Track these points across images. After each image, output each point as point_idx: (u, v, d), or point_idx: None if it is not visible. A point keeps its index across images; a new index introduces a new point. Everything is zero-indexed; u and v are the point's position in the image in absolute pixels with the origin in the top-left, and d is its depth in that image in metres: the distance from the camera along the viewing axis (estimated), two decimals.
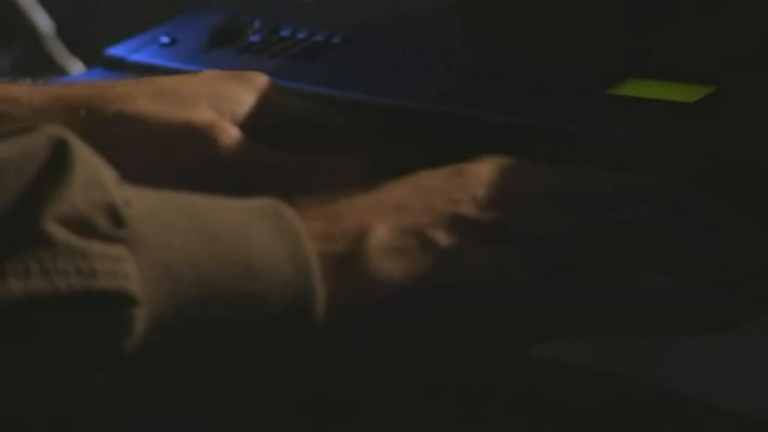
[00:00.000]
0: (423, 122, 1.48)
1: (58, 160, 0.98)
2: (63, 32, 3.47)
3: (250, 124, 1.43)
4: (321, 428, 1.21)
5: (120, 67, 1.89)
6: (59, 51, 3.46)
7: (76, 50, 3.15)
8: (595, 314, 1.10)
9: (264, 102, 1.47)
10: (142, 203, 1.03)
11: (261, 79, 1.50)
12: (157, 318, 1.00)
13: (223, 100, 1.44)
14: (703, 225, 1.13)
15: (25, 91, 1.42)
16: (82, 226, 0.98)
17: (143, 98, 1.41)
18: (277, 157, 1.27)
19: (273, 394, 1.12)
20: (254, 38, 1.76)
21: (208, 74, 1.52)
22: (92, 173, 1.01)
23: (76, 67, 2.42)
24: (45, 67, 3.26)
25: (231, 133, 1.38)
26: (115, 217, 0.99)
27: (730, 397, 1.06)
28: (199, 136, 1.36)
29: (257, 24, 1.76)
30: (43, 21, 3.47)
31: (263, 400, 1.13)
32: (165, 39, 1.84)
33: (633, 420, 1.13)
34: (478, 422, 1.22)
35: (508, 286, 1.09)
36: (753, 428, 1.05)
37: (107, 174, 1.02)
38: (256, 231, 1.06)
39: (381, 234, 1.09)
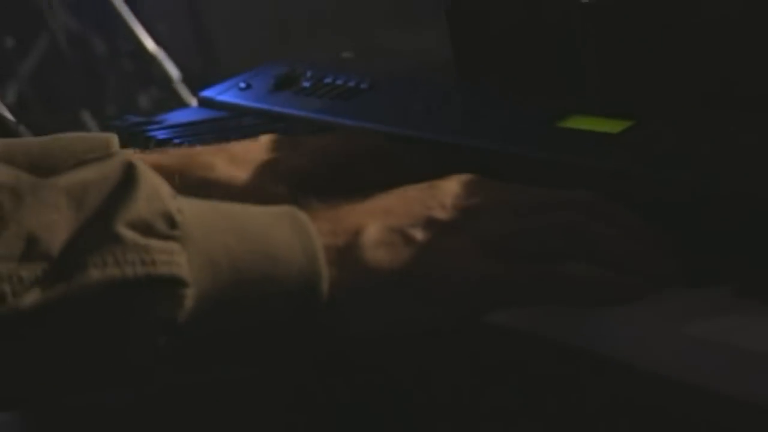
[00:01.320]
0: (424, 146, 1.49)
1: (127, 179, 1.02)
2: (186, 78, 3.52)
3: (297, 176, 1.46)
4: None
5: (210, 105, 1.93)
6: (183, 92, 3.48)
7: (193, 91, 3.16)
8: (530, 291, 1.13)
9: (308, 156, 1.49)
10: (191, 210, 1.05)
11: (309, 141, 1.52)
12: (201, 296, 1.02)
13: (277, 161, 1.47)
14: (613, 226, 1.14)
15: (172, 153, 1.47)
16: (145, 228, 1.01)
17: (222, 163, 1.45)
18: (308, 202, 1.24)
19: (291, 351, 1.14)
20: (306, 84, 1.77)
21: (265, 140, 1.53)
22: (153, 189, 1.04)
23: (193, 103, 2.40)
24: (173, 103, 3.28)
25: (278, 191, 1.42)
26: (170, 221, 1.02)
27: (637, 356, 1.06)
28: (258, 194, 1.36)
29: (308, 73, 1.78)
30: (172, 70, 3.49)
31: (283, 355, 1.16)
32: (242, 84, 1.89)
33: (560, 372, 1.16)
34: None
35: (467, 269, 1.11)
36: (636, 376, 1.05)
37: (164, 189, 1.05)
38: (277, 230, 1.08)
39: (372, 232, 1.12)
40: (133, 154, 1.35)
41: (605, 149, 1.30)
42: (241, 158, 1.46)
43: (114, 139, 1.18)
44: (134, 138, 1.78)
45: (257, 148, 1.49)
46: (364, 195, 1.18)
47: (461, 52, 1.60)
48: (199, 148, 1.51)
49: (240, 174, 1.43)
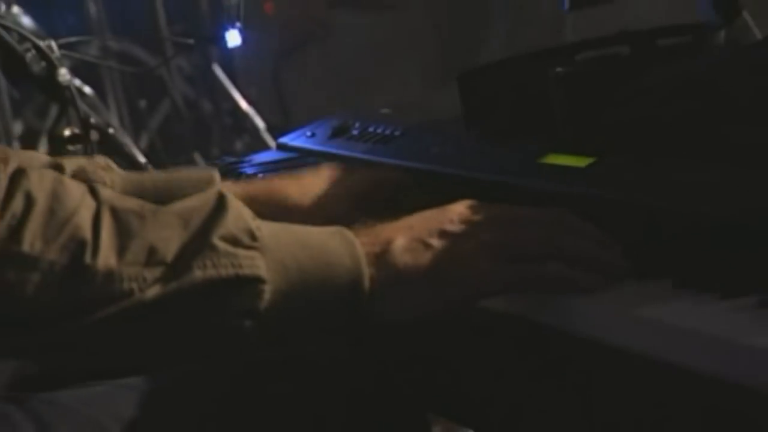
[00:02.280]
0: (440, 178, 1.49)
1: (220, 205, 1.06)
2: (269, 128, 3.52)
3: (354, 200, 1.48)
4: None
5: (285, 148, 1.94)
6: (267, 138, 3.47)
7: (274, 138, 3.16)
8: (518, 282, 1.13)
9: (361, 184, 1.51)
10: (267, 228, 1.09)
11: (355, 173, 1.53)
12: (275, 291, 1.05)
13: (331, 187, 1.47)
14: (578, 235, 1.15)
15: (231, 186, 1.42)
16: (233, 241, 1.05)
17: (292, 191, 1.46)
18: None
19: (339, 333, 1.18)
20: (354, 132, 1.76)
21: (322, 170, 1.54)
22: (238, 212, 1.08)
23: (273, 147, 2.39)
24: (260, 147, 3.28)
25: (331, 209, 1.43)
26: (251, 236, 1.06)
27: (598, 331, 1.05)
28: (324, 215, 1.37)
29: (356, 124, 1.77)
30: (259, 122, 3.47)
31: (333, 335, 1.19)
32: (308, 133, 1.89)
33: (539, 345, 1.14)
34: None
35: (472, 266, 1.12)
36: (598, 347, 1.04)
37: (247, 212, 1.09)
38: (330, 242, 1.11)
39: (400, 241, 1.12)
40: (229, 185, 1.42)
41: (575, 179, 1.29)
42: (306, 184, 1.47)
43: (216, 173, 1.21)
44: (231, 173, 1.79)
45: (317, 178, 1.49)
46: (394, 218, 1.18)
47: (468, 108, 1.58)
48: (275, 179, 1.56)
49: (304, 197, 1.44)
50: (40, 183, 0.96)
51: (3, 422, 1.09)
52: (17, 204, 0.93)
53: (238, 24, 3.25)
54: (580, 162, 1.30)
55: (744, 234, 1.06)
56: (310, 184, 1.47)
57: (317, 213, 1.39)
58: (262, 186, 1.49)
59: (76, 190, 0.98)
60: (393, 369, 1.31)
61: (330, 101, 4.02)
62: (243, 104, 3.39)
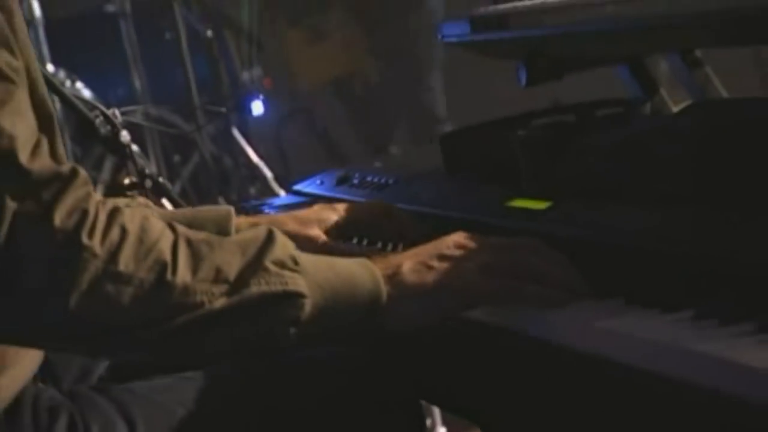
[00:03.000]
0: (428, 218, 1.46)
1: (269, 237, 1.07)
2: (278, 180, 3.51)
3: (334, 229, 1.45)
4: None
5: (298, 193, 1.90)
6: (274, 186, 3.44)
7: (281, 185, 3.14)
8: (504, 293, 1.11)
9: (340, 217, 1.47)
10: (305, 257, 1.09)
11: (341, 205, 1.50)
12: (313, 304, 1.05)
13: (322, 220, 1.45)
14: (550, 261, 1.14)
15: (243, 220, 1.40)
16: (281, 264, 1.05)
17: (292, 223, 1.43)
18: (340, 247, 1.39)
19: (361, 337, 1.18)
20: (355, 181, 1.73)
21: (318, 207, 1.52)
22: (283, 243, 1.08)
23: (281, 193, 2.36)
24: (268, 193, 3.25)
25: (323, 239, 1.42)
26: (295, 261, 1.06)
27: (566, 338, 1.04)
28: (311, 240, 1.39)
29: (356, 175, 1.74)
30: (267, 173, 3.46)
31: (358, 338, 1.19)
32: (318, 181, 1.85)
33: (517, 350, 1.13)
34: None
35: (464, 281, 1.12)
36: (566, 352, 1.03)
37: (290, 244, 1.10)
38: (355, 269, 1.11)
39: (407, 265, 1.13)
40: (242, 219, 1.40)
41: (535, 219, 1.28)
42: (303, 218, 1.44)
43: (231, 209, 1.28)
44: (256, 213, 1.76)
45: (312, 213, 1.48)
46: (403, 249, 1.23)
47: (449, 162, 1.58)
48: (277, 214, 1.57)
49: (301, 228, 1.41)
50: (131, 218, 0.97)
51: (92, 407, 1.09)
52: (114, 234, 0.94)
53: (261, 96, 3.28)
54: (539, 205, 1.30)
55: (669, 259, 1.06)
56: (304, 218, 1.45)
57: (309, 240, 1.39)
58: (266, 219, 1.48)
59: (158, 224, 0.99)
60: (395, 366, 1.30)
61: (324, 157, 4.08)
62: (255, 158, 3.37)
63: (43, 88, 1.05)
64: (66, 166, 0.94)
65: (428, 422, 2.54)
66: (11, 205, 0.89)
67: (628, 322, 0.99)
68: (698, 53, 1.70)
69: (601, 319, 1.01)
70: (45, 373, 1.13)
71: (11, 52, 0.94)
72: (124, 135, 1.96)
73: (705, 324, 0.93)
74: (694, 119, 1.43)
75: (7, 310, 0.93)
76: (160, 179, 2.00)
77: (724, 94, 1.69)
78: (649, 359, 0.92)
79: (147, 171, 1.96)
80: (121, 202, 1.28)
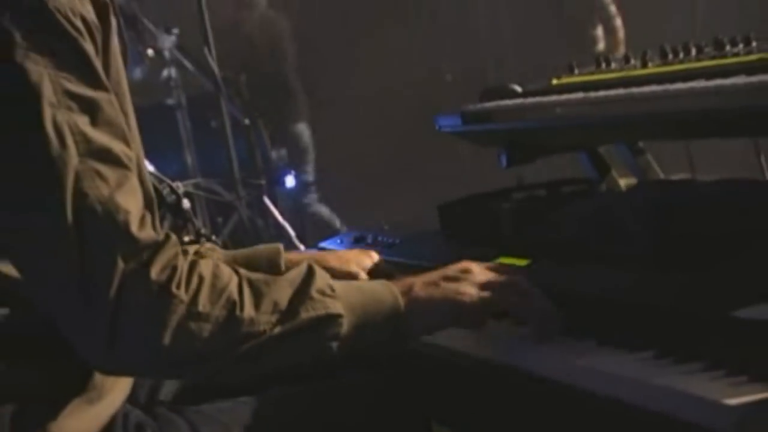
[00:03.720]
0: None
1: (310, 272, 1.05)
2: (298, 237, 3.53)
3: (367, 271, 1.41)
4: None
5: (323, 250, 1.80)
6: (298, 243, 3.44)
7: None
8: (493, 301, 1.11)
9: (372, 262, 1.43)
10: (339, 284, 1.06)
11: (371, 253, 1.45)
12: (349, 322, 1.03)
13: (358, 261, 1.41)
14: (529, 296, 1.12)
15: (293, 255, 1.41)
16: (321, 292, 1.03)
17: (334, 260, 1.40)
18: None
19: (386, 344, 1.11)
20: (369, 241, 1.69)
21: (354, 251, 1.48)
22: (321, 275, 1.05)
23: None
24: (292, 249, 3.26)
25: (362, 276, 1.38)
26: (332, 288, 1.04)
27: (545, 370, 1.03)
28: (351, 276, 1.36)
29: (369, 236, 1.71)
30: (291, 231, 3.48)
31: (384, 348, 1.14)
32: (338, 240, 1.79)
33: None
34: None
35: (463, 293, 1.10)
36: (544, 382, 1.02)
37: (326, 275, 1.06)
38: (377, 288, 1.10)
39: (418, 284, 1.11)
40: (291, 254, 1.41)
41: (518, 274, 1.22)
42: (339, 257, 1.42)
43: (281, 245, 1.35)
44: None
45: (351, 254, 1.45)
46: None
47: (446, 226, 1.57)
48: (323, 252, 1.55)
49: (341, 265, 1.38)
50: (206, 267, 0.95)
51: (169, 425, 1.07)
52: (194, 282, 0.93)
53: (293, 172, 3.31)
54: (521, 262, 1.28)
55: (631, 308, 1.05)
56: (345, 257, 1.43)
57: (349, 276, 1.36)
58: (311, 256, 1.43)
59: (226, 270, 0.98)
60: (410, 391, 1.25)
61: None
62: (281, 220, 3.36)
63: (145, 172, 1.05)
64: (162, 234, 0.95)
65: None
66: (121, 264, 0.88)
67: (601, 360, 0.98)
68: (641, 144, 1.71)
69: (578, 357, 1.00)
70: (135, 392, 1.12)
71: (126, 143, 0.95)
72: (185, 202, 1.98)
73: (663, 362, 0.92)
74: (642, 195, 1.43)
75: (106, 356, 0.92)
76: (213, 237, 2.02)
77: (661, 175, 1.70)
78: (617, 390, 0.91)
79: (203, 231, 1.99)
80: (193, 248, 1.34)
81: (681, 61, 1.42)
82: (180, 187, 2.22)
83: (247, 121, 3.49)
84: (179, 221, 2.22)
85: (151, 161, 3.16)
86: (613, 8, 5.18)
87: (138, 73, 3.31)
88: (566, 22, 5.21)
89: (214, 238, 2.20)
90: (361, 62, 5.13)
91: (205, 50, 2.96)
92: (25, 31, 0.87)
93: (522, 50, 5.07)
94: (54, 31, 0.88)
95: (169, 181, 2.10)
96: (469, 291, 1.10)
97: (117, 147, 0.92)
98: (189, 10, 3.00)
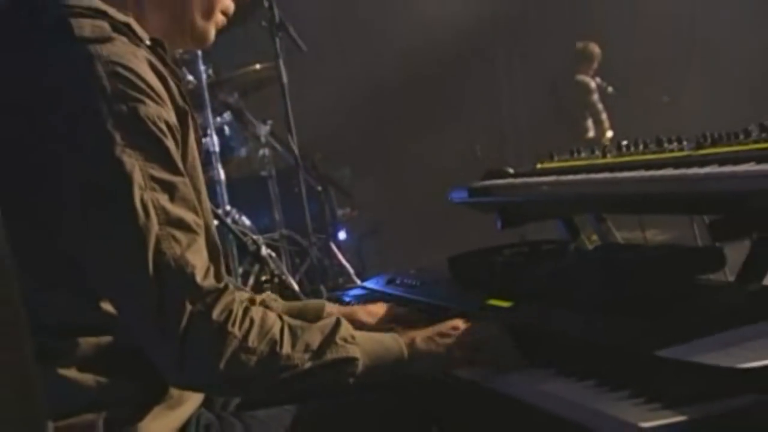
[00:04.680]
0: (438, 309, 1.38)
1: (338, 323, 1.01)
2: (357, 274, 3.58)
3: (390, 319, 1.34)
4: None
5: (364, 287, 1.78)
6: (356, 279, 3.41)
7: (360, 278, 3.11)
8: (468, 363, 1.09)
9: (386, 313, 1.37)
10: (358, 333, 1.03)
11: (388, 306, 1.39)
12: (363, 363, 1.01)
13: (381, 313, 1.35)
14: (498, 341, 1.11)
15: (333, 307, 1.36)
16: (344, 339, 1.00)
17: (362, 314, 1.34)
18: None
19: (390, 380, 1.08)
20: (398, 282, 1.64)
21: (380, 304, 1.40)
22: (346, 326, 1.02)
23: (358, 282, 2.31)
24: (350, 283, 3.29)
25: (382, 325, 1.31)
26: (353, 337, 1.01)
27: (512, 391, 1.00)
28: (374, 327, 1.28)
29: (398, 278, 1.66)
30: (351, 269, 3.48)
31: (388, 382, 1.09)
32: (373, 282, 1.74)
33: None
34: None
35: (450, 351, 1.08)
36: (513, 402, 0.99)
37: (349, 326, 1.03)
38: (387, 339, 1.06)
39: (419, 337, 1.08)
40: (331, 306, 1.36)
41: (503, 313, 1.23)
42: (368, 311, 1.35)
43: (325, 302, 1.30)
44: (337, 298, 1.68)
45: (375, 308, 1.37)
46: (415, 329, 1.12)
47: (454, 274, 1.54)
48: (353, 307, 1.41)
49: (367, 318, 1.32)
50: (256, 312, 0.94)
51: (229, 426, 1.05)
52: (246, 324, 0.92)
53: (344, 228, 3.34)
54: (506, 304, 1.26)
55: (580, 344, 1.03)
56: (370, 311, 1.36)
57: (372, 325, 1.30)
58: (344, 311, 1.36)
59: (272, 315, 0.96)
60: (414, 406, 1.19)
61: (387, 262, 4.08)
62: (343, 261, 3.34)
63: (213, 233, 1.03)
64: (222, 283, 0.92)
65: None
66: (189, 306, 0.88)
67: (557, 386, 0.96)
68: (603, 214, 1.68)
69: (540, 382, 0.98)
70: (205, 402, 1.10)
71: (197, 213, 0.94)
72: (263, 251, 2.02)
73: (600, 389, 0.90)
74: (600, 255, 1.41)
75: (177, 376, 0.92)
76: (283, 277, 2.05)
77: (618, 237, 1.67)
78: (565, 410, 0.89)
79: (276, 272, 2.02)
80: (258, 297, 1.28)
81: (630, 154, 1.41)
82: (260, 239, 2.28)
83: (319, 188, 3.54)
84: (259, 265, 2.27)
85: (248, 217, 3.25)
86: (600, 106, 5.16)
87: (243, 152, 3.35)
88: (565, 116, 5.20)
89: (283, 277, 2.23)
90: (422, 148, 5.13)
91: (289, 137, 3.01)
92: (123, 133, 0.87)
93: (532, 135, 5.06)
94: (144, 133, 0.88)
95: (252, 236, 2.16)
96: (455, 352, 1.08)
97: (188, 217, 0.91)
98: (280, 108, 3.06)
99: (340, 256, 3.30)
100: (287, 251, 3.17)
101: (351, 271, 3.27)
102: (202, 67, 2.88)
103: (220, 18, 1.08)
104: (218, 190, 2.79)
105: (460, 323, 1.13)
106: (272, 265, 2.04)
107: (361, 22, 5.12)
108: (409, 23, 5.25)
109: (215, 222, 1.50)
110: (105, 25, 0.91)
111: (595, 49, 5.20)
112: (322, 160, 3.91)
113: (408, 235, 4.58)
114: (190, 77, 2.90)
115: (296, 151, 3.00)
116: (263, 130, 3.30)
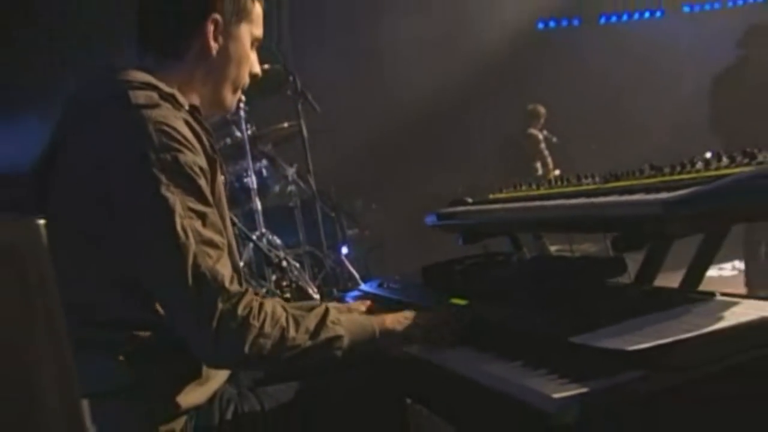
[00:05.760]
0: (412, 305, 1.31)
1: (327, 311, 0.97)
2: (362, 278, 3.47)
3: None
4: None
5: (360, 290, 1.70)
6: (361, 282, 3.35)
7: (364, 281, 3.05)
8: (425, 341, 1.04)
9: (365, 306, 1.27)
10: (343, 316, 0.99)
11: (368, 302, 1.31)
12: (347, 339, 0.97)
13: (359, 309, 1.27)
14: (449, 326, 1.06)
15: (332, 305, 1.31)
16: (333, 322, 0.97)
17: (355, 307, 1.27)
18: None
19: (368, 354, 1.03)
20: (384, 285, 1.57)
21: (359, 302, 1.32)
22: (333, 311, 0.99)
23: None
24: (355, 285, 3.17)
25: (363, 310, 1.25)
26: (339, 319, 0.98)
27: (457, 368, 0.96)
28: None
29: (386, 282, 1.59)
30: (356, 274, 3.43)
31: (365, 357, 1.04)
32: (367, 285, 1.66)
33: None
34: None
35: (411, 330, 1.04)
36: (456, 376, 0.95)
37: (336, 312, 0.99)
38: (363, 319, 1.03)
39: (388, 320, 1.04)
40: (331, 305, 1.27)
41: (460, 308, 1.18)
42: (355, 307, 1.25)
43: (324, 303, 1.13)
44: (339, 299, 1.65)
45: (361, 305, 1.29)
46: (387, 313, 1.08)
47: (426, 280, 1.49)
48: (351, 303, 1.35)
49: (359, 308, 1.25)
50: (269, 306, 0.93)
51: (246, 398, 1.03)
52: (262, 316, 0.90)
53: (346, 244, 3.31)
54: (463, 302, 1.22)
55: (513, 332, 1.00)
56: (352, 307, 1.28)
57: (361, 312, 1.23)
58: (345, 305, 1.29)
59: (279, 308, 0.94)
60: (388, 379, 1.13)
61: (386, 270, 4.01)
62: (351, 269, 3.30)
63: (234, 250, 1.00)
64: (244, 287, 0.91)
65: None
66: (220, 305, 0.87)
67: (494, 365, 0.93)
68: (538, 233, 1.66)
69: (482, 363, 0.95)
70: (231, 379, 1.07)
71: (222, 236, 0.93)
72: (284, 264, 2.00)
73: (526, 368, 0.87)
74: (534, 264, 1.39)
75: (212, 357, 0.91)
76: (300, 283, 2.03)
77: (551, 252, 1.64)
78: (499, 385, 0.87)
79: (293, 279, 2.00)
80: (266, 296, 1.24)
81: (557, 187, 1.39)
82: (282, 254, 2.27)
83: (332, 214, 3.53)
84: (280, 274, 2.25)
85: (279, 237, 3.23)
86: (546, 152, 5.19)
87: (276, 188, 3.32)
88: (521, 160, 5.21)
89: (300, 282, 2.21)
90: (406, 184, 5.17)
91: (309, 177, 3.02)
92: (168, 176, 0.88)
93: (498, 175, 5.11)
94: (183, 175, 0.89)
95: (276, 252, 2.15)
96: (415, 331, 1.05)
97: (216, 238, 0.91)
98: (302, 155, 3.08)
99: (348, 266, 3.27)
100: (308, 263, 3.15)
101: (357, 276, 3.23)
102: (245, 126, 2.92)
103: (241, 89, 1.09)
104: (256, 218, 2.80)
105: (413, 312, 1.10)
106: (293, 274, 2.03)
107: (367, 87, 5.25)
108: (404, 87, 5.37)
109: (250, 243, 1.46)
110: (154, 95, 0.93)
111: (542, 109, 5.29)
112: (336, 193, 3.89)
113: (403, 250, 4.55)
114: (238, 133, 2.95)
115: (314, 187, 3.02)
116: (290, 171, 3.32)
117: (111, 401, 0.90)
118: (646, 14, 6.20)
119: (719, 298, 0.89)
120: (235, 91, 1.06)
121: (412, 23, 5.28)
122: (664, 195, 0.87)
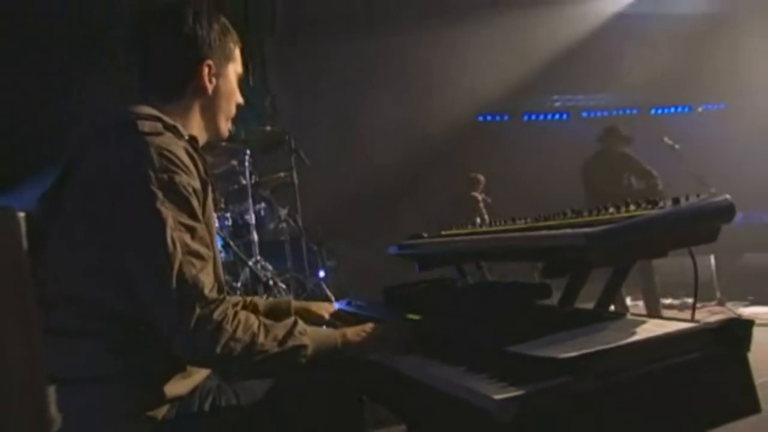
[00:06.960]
0: (373, 319, 1.20)
1: (295, 322, 0.88)
2: (336, 298, 3.25)
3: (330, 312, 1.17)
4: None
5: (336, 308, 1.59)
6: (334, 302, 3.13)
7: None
8: (381, 350, 0.95)
9: (328, 313, 1.19)
10: (308, 329, 0.90)
11: (333, 306, 1.20)
12: (311, 349, 0.88)
13: (326, 308, 1.20)
14: (401, 336, 0.97)
15: (295, 302, 1.19)
16: (300, 332, 0.88)
17: (313, 306, 1.18)
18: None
19: (330, 363, 0.92)
20: (356, 304, 1.42)
21: (325, 304, 1.24)
22: (301, 323, 0.90)
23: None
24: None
25: (327, 316, 1.15)
26: (305, 331, 0.89)
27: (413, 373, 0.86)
28: (320, 316, 1.15)
29: (354, 301, 1.45)
30: (331, 295, 3.29)
31: (328, 364, 0.93)
32: (342, 303, 1.50)
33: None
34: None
35: (368, 342, 0.94)
36: (413, 382, 0.84)
37: (303, 324, 0.90)
38: (327, 332, 0.95)
39: (349, 333, 0.95)
40: (293, 301, 1.16)
41: (415, 323, 1.08)
42: (319, 306, 1.19)
43: (291, 299, 1.09)
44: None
45: (324, 305, 1.21)
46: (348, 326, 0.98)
47: (387, 300, 1.37)
48: (308, 302, 1.23)
49: (319, 311, 1.18)
50: (243, 314, 0.84)
51: (223, 391, 0.92)
52: (235, 322, 0.82)
53: (323, 269, 3.20)
54: (417, 317, 1.12)
55: (458, 342, 0.91)
56: (320, 306, 1.22)
57: (323, 317, 1.15)
58: (304, 305, 1.20)
59: (252, 316, 0.85)
60: (347, 379, 1.01)
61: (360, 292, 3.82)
62: (327, 292, 3.16)
63: (218, 263, 0.90)
64: (222, 295, 0.83)
65: None
66: (198, 310, 0.79)
67: (441, 369, 0.84)
68: (481, 263, 1.59)
69: (430, 367, 0.86)
70: (210, 375, 0.96)
71: (208, 248, 0.85)
72: (270, 282, 1.89)
73: (470, 373, 0.79)
74: (475, 288, 1.31)
75: (189, 355, 0.81)
76: (283, 295, 1.90)
77: (489, 278, 1.58)
78: (443, 386, 0.78)
79: (276, 294, 1.87)
80: (248, 299, 1.13)
81: (496, 226, 1.35)
82: (269, 275, 2.15)
83: (315, 247, 3.43)
84: (268, 291, 2.13)
85: (270, 263, 3.11)
86: (484, 210, 5.30)
87: (271, 226, 3.25)
88: (464, 216, 5.29)
89: (285, 295, 2.08)
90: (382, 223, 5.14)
91: (298, 217, 2.94)
92: (164, 193, 0.82)
93: (448, 218, 5.19)
94: (177, 194, 0.83)
95: (266, 275, 2.03)
96: (372, 342, 0.96)
97: (203, 250, 0.83)
98: (292, 198, 3.05)
99: (324, 287, 3.15)
100: (293, 286, 3.02)
101: (332, 297, 3.10)
102: (248, 175, 2.93)
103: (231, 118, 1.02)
104: (253, 248, 2.75)
105: (377, 326, 1.01)
106: (279, 294, 1.91)
107: (351, 145, 5.41)
108: (378, 153, 5.61)
109: (247, 268, 1.33)
110: (158, 125, 0.87)
111: (481, 177, 5.54)
112: (322, 231, 3.80)
113: (373, 277, 4.47)
114: (243, 180, 2.96)
115: (301, 226, 2.95)
116: (282, 212, 3.28)
117: (100, 387, 0.81)
118: (557, 116, 7.05)
119: (630, 317, 0.85)
120: (227, 120, 1.01)
121: (384, 103, 5.60)
122: (587, 229, 0.83)
